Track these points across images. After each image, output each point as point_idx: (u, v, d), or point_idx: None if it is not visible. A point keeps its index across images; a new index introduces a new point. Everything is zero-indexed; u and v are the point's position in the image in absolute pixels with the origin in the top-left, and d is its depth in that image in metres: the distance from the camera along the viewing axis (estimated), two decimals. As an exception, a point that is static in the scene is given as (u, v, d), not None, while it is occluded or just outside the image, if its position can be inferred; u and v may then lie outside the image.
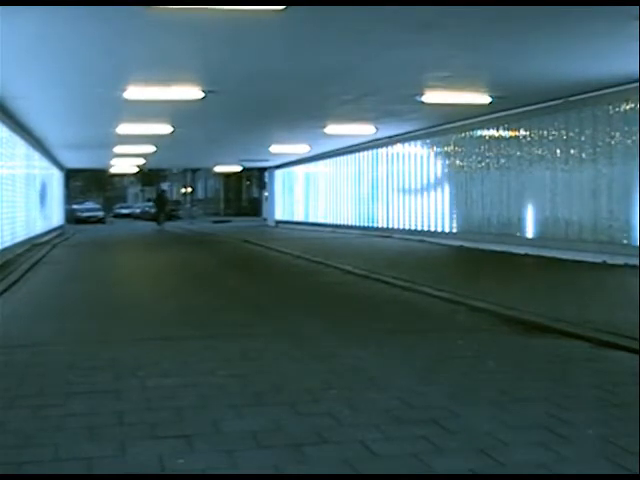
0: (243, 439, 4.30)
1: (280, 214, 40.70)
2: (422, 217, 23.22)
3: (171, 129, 19.89)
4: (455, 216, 21.19)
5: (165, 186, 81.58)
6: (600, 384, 5.50)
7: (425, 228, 22.93)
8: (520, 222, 17.89)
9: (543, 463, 3.89)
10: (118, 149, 26.53)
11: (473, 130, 20.04)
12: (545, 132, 16.97)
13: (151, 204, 50.10)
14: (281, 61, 12.01)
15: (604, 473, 3.79)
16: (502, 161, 18.76)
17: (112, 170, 45.83)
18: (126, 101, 14.73)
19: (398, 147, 24.95)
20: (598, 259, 14.46)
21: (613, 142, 14.80)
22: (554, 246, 16.09)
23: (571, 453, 4.05)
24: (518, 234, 17.87)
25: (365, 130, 21.67)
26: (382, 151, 26.28)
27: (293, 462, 3.95)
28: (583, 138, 15.67)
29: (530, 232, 17.53)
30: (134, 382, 5.69)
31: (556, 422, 4.58)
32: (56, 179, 36.14)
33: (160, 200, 42.50)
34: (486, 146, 19.54)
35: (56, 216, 35.49)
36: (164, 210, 40.54)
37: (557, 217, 16.45)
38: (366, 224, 27.79)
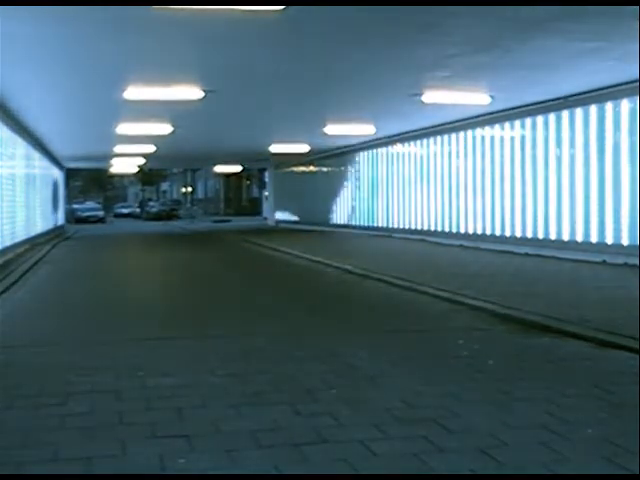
0: (243, 439, 4.30)
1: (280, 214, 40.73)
2: (421, 216, 23.29)
3: (171, 129, 19.89)
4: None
5: (165, 186, 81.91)
6: (600, 384, 5.51)
7: (425, 227, 23.02)
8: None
9: (543, 463, 3.89)
10: (118, 149, 26.54)
11: (473, 129, 20.08)
12: (545, 132, 16.97)
13: (151, 204, 64.00)
14: (281, 61, 12.01)
15: (604, 473, 3.79)
16: (502, 161, 18.78)
17: (112, 170, 45.88)
18: (126, 101, 14.73)
19: (397, 147, 24.99)
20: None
21: (613, 142, 14.81)
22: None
23: (571, 453, 4.06)
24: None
25: (365, 130, 21.69)
26: (382, 151, 26.32)
27: (293, 462, 3.94)
28: (583, 138, 15.68)
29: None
30: (134, 382, 5.69)
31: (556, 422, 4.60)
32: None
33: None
34: (486, 146, 19.56)
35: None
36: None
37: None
38: (366, 224, 27.86)
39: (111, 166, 40.39)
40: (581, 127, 15.73)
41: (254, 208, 57.47)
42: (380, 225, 26.66)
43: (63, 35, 9.94)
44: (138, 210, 66.12)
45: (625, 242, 14.39)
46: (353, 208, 29.58)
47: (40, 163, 27.52)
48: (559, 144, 16.49)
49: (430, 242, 21.42)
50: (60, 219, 37.19)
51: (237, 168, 44.12)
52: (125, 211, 69.39)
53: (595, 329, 7.35)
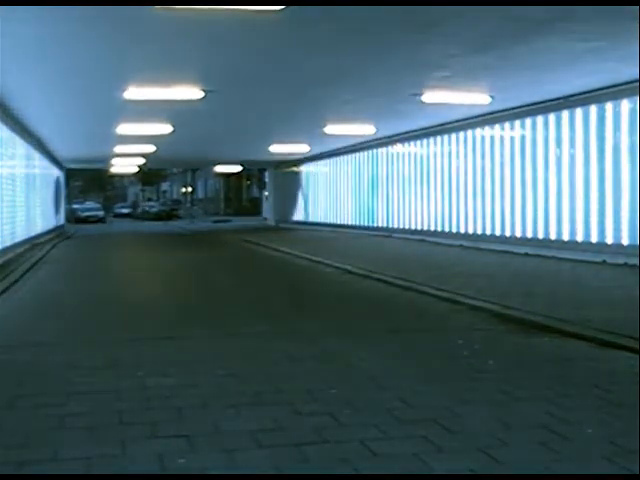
0: (243, 439, 4.30)
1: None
2: (421, 216, 23.29)
3: (171, 129, 19.88)
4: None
5: (165, 186, 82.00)
6: (600, 384, 5.51)
7: (425, 227, 23.01)
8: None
9: (543, 463, 3.89)
10: (118, 149, 26.55)
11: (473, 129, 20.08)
12: (545, 132, 16.97)
13: (150, 204, 64.27)
14: (281, 61, 12.01)
15: (604, 473, 3.79)
16: (502, 161, 18.78)
17: (112, 170, 45.88)
18: (126, 101, 14.74)
19: (397, 147, 25.00)
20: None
21: (613, 142, 14.80)
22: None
23: (571, 453, 4.05)
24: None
25: (365, 130, 21.70)
26: (381, 151, 26.33)
27: (293, 462, 3.94)
28: (583, 138, 15.68)
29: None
30: (134, 382, 5.69)
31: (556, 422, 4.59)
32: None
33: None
34: (486, 146, 19.55)
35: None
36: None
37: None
38: (366, 224, 27.87)
39: (111, 166, 40.41)
40: (581, 127, 15.71)
41: (254, 208, 57.46)
42: (380, 225, 26.66)
43: (63, 35, 9.94)
44: (130, 211, 68.23)
45: (625, 242, 14.39)
46: (353, 208, 29.59)
47: (40, 163, 27.54)
48: (559, 144, 16.48)
49: (430, 242, 21.41)
50: (61, 219, 37.25)
51: (237, 168, 44.15)
52: (125, 211, 69.51)
53: (595, 329, 7.35)
